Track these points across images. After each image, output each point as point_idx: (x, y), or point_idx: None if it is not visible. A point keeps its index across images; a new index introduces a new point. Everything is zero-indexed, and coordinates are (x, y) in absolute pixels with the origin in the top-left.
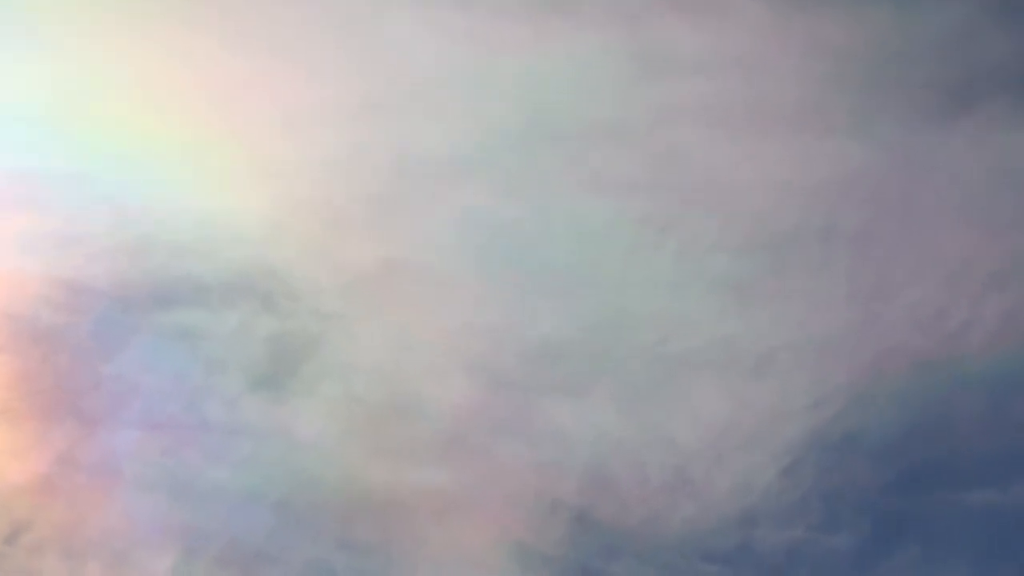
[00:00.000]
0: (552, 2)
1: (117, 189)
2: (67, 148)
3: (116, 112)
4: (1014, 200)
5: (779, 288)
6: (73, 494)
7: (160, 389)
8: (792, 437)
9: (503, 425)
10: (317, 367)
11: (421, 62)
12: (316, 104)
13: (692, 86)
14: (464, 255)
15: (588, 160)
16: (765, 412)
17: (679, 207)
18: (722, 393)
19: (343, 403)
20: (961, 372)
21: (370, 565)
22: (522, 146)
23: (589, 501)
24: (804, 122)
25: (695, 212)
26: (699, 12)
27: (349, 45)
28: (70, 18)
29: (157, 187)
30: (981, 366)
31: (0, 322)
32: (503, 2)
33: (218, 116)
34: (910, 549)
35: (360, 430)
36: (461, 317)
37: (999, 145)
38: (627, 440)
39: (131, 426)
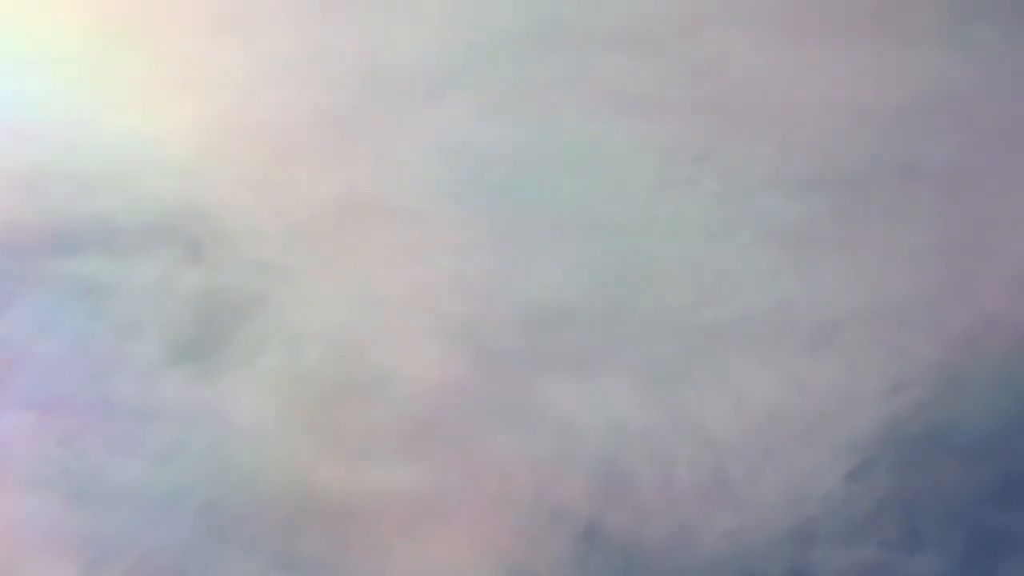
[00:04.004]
0: None
1: (8, 104)
2: None
3: (9, 7)
4: None
5: (847, 238)
6: None
7: (57, 359)
8: (862, 430)
9: (491, 410)
10: (256, 334)
11: None
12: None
13: None
14: (444, 191)
15: (601, 73)
16: (827, 398)
17: (719, 133)
18: (772, 372)
19: (288, 380)
20: None
21: None
22: (519, 55)
23: (600, 509)
24: (879, 28)
25: (740, 140)
26: None
27: None
28: None
29: (58, 102)
30: None
31: None
32: None
33: (138, 14)
34: (1012, 573)
35: (310, 415)
36: (440, 271)
37: None
38: (650, 431)
39: (20, 406)
